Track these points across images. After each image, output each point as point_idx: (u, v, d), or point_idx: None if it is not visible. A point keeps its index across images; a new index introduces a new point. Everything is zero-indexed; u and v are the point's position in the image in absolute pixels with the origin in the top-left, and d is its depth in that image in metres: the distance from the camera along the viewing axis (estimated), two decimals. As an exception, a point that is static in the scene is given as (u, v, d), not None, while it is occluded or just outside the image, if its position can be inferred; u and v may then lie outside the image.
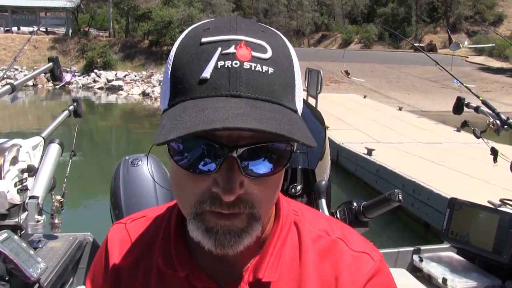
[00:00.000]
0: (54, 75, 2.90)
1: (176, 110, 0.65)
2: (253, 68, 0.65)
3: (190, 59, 0.67)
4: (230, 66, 0.64)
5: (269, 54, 0.67)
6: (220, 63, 0.64)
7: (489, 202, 3.34)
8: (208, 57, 0.65)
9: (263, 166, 0.68)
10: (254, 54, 0.65)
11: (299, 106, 0.72)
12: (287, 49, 0.72)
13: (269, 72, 0.66)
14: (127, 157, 2.39)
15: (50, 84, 26.78)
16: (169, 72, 0.70)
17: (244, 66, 0.64)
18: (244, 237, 0.70)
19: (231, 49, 0.65)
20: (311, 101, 11.70)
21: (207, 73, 0.64)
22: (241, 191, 0.67)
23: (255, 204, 0.69)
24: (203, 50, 0.66)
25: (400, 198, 1.80)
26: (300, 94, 0.73)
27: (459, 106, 3.20)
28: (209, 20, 0.73)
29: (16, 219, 2.21)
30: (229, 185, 0.65)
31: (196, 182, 0.68)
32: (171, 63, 0.70)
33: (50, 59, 2.89)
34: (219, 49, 0.65)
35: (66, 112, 2.81)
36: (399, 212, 7.63)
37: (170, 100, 0.69)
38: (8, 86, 2.40)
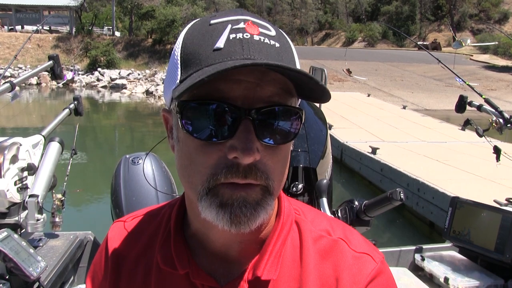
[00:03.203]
0: (55, 73, 2.88)
1: (193, 76, 0.65)
2: (262, 40, 0.67)
3: (200, 37, 0.68)
4: (241, 37, 0.66)
5: (273, 33, 0.70)
6: (232, 36, 0.66)
7: (494, 201, 3.32)
8: (219, 33, 0.67)
9: (276, 134, 0.69)
10: (261, 30, 0.69)
11: None
12: (286, 37, 0.75)
13: (276, 46, 0.69)
14: (127, 156, 2.39)
15: (54, 82, 26.85)
16: (178, 53, 0.70)
17: (254, 38, 0.67)
18: (260, 211, 0.69)
19: (241, 25, 0.67)
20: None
21: (221, 43, 0.66)
22: (258, 157, 0.66)
23: (269, 175, 0.69)
24: (213, 28, 0.68)
25: (402, 197, 1.79)
26: None
27: (461, 104, 3.19)
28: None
29: (16, 218, 2.20)
30: (248, 145, 0.65)
31: (209, 153, 0.67)
32: (179, 46, 0.71)
33: (50, 57, 2.88)
34: (229, 25, 0.68)
35: (67, 110, 2.80)
36: (404, 211, 7.62)
37: (181, 75, 0.69)
38: (7, 84, 2.39)
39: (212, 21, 0.69)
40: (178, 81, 0.69)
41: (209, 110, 0.66)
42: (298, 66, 0.73)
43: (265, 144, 0.68)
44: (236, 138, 0.66)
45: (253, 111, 0.66)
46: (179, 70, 0.69)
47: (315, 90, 0.69)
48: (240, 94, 0.65)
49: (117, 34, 40.30)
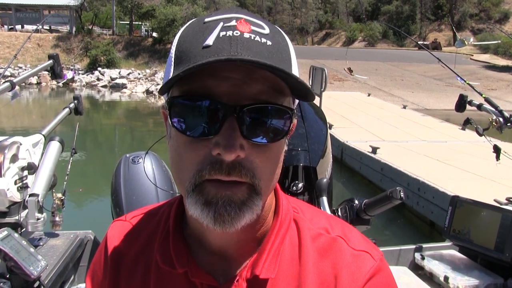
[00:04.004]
0: (55, 72, 2.88)
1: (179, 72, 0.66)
2: (252, 38, 0.67)
3: (193, 35, 0.69)
4: (231, 34, 0.66)
5: (267, 31, 0.70)
6: (222, 33, 0.66)
7: (495, 200, 3.32)
8: (210, 31, 0.67)
9: (263, 132, 0.69)
10: (253, 28, 0.68)
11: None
12: (283, 35, 0.74)
13: (268, 44, 0.68)
14: (127, 155, 2.39)
15: (54, 82, 26.85)
16: (173, 51, 0.72)
17: (245, 36, 0.66)
18: (245, 210, 0.69)
19: (232, 23, 0.68)
20: (315, 99, 11.66)
21: (210, 41, 0.66)
22: (242, 154, 0.66)
23: (256, 174, 0.69)
24: (206, 26, 0.69)
25: (402, 196, 1.79)
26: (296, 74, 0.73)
27: (461, 103, 3.19)
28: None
29: (16, 217, 2.20)
30: (230, 142, 0.65)
31: (196, 149, 0.68)
32: (175, 44, 0.72)
33: (50, 56, 2.87)
34: (221, 23, 0.68)
35: (67, 109, 2.80)
36: (404, 211, 7.62)
37: (174, 72, 0.69)
38: (7, 84, 2.39)
39: (207, 19, 0.70)
40: (170, 76, 0.69)
41: (195, 106, 0.67)
42: (294, 65, 0.73)
43: (251, 142, 0.68)
44: (220, 135, 0.66)
45: (237, 108, 0.66)
46: (172, 67, 0.70)
47: (299, 88, 0.69)
48: (226, 91, 0.66)
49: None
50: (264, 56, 0.65)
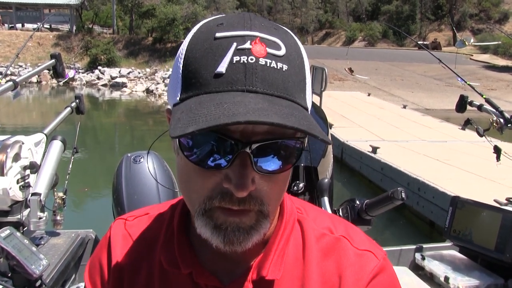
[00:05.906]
0: (57, 71, 2.89)
1: (190, 103, 0.64)
2: (268, 65, 0.64)
3: (203, 54, 0.65)
4: (246, 61, 0.63)
5: (283, 51, 0.66)
6: (236, 58, 0.63)
7: (495, 201, 3.32)
8: (223, 52, 0.64)
9: (273, 163, 0.67)
10: (269, 50, 0.65)
11: (309, 104, 0.72)
12: (299, 47, 0.71)
13: (284, 69, 0.65)
14: (129, 154, 2.38)
15: (54, 81, 26.83)
16: (180, 66, 0.68)
17: (260, 62, 0.63)
18: (253, 234, 0.69)
19: (247, 45, 0.64)
20: (315, 98, 11.68)
21: (222, 68, 0.63)
22: (253, 188, 0.66)
23: (264, 201, 0.69)
24: (218, 44, 0.65)
25: (403, 196, 1.79)
26: (309, 92, 0.72)
27: (462, 104, 3.19)
28: (222, 15, 0.72)
29: (19, 216, 2.20)
30: (242, 181, 0.64)
31: (206, 177, 0.67)
32: (182, 57, 0.68)
33: (52, 56, 2.88)
34: (234, 44, 0.64)
35: (69, 109, 2.80)
36: (404, 211, 7.62)
37: (182, 94, 0.67)
38: (10, 83, 2.40)
39: (218, 34, 0.66)
40: (178, 98, 0.68)
41: (206, 139, 0.65)
42: (308, 84, 0.71)
43: (262, 174, 0.67)
44: (231, 169, 0.65)
45: (251, 145, 0.64)
46: (180, 85, 0.68)
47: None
48: (238, 126, 0.64)
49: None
50: (279, 86, 0.64)
